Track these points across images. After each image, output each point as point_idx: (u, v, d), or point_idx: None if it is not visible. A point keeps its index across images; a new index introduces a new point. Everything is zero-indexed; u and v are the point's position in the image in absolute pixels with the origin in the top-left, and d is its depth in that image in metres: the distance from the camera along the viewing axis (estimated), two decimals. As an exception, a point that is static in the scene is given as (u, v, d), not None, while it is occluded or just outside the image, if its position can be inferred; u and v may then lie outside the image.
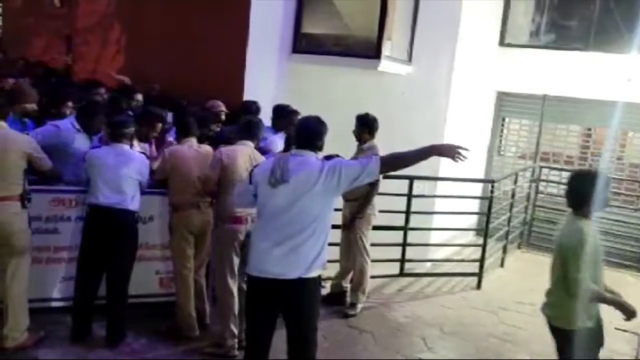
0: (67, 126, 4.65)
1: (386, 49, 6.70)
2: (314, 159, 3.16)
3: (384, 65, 6.71)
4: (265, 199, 3.18)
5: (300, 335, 3.22)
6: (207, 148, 4.59)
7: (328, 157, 3.47)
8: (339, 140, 5.19)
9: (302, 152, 3.19)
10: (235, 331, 4.20)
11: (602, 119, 7.96)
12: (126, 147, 4.25)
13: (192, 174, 4.37)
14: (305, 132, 3.25)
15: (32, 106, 4.65)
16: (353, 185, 3.17)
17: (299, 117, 5.05)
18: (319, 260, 3.14)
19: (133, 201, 4.21)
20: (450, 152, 3.12)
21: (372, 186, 5.02)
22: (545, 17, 8.35)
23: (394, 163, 3.27)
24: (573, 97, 7.96)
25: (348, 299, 5.39)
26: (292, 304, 3.17)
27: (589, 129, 8.45)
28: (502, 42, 8.31)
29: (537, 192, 8.17)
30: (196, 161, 4.41)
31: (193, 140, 4.54)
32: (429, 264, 6.77)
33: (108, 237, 4.14)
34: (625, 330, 5.28)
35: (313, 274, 3.14)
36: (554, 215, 8.14)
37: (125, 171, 4.16)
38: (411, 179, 5.81)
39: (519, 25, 8.46)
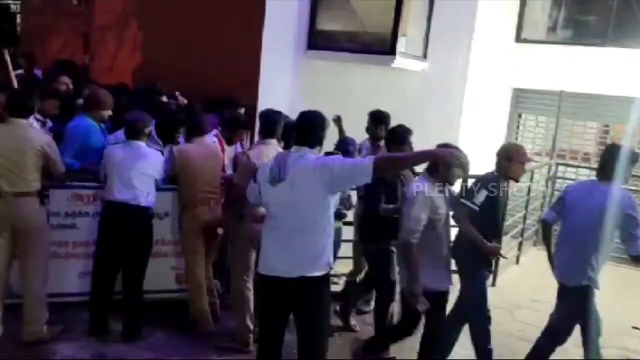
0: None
1: (401, 45, 6.67)
2: (311, 156, 3.13)
3: (399, 61, 6.68)
4: (268, 197, 3.19)
5: (306, 335, 3.20)
6: (215, 146, 4.63)
7: (328, 154, 3.46)
8: (355, 136, 5.24)
9: (300, 149, 3.16)
10: (251, 326, 4.24)
11: (620, 115, 7.85)
12: (142, 144, 4.30)
13: (202, 172, 4.42)
14: (304, 128, 3.21)
15: (108, 112, 4.81)
16: (348, 186, 3.10)
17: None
18: (322, 259, 3.11)
19: (148, 198, 4.26)
20: (451, 159, 3.05)
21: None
22: (562, 12, 8.25)
23: (389, 165, 3.21)
24: (590, 93, 7.87)
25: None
26: (297, 304, 3.16)
27: (607, 126, 8.35)
28: (518, 38, 8.23)
29: (553, 189, 8.09)
30: (206, 159, 4.45)
31: (203, 139, 4.57)
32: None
33: (122, 233, 4.20)
34: (641, 329, 5.26)
35: (317, 272, 3.10)
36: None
37: (140, 168, 4.21)
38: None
39: (536, 21, 8.37)
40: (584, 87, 7.81)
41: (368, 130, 5.32)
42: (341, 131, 5.63)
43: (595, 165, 8.11)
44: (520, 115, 8.74)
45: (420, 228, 3.70)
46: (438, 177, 3.80)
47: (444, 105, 6.98)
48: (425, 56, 7.13)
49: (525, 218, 7.22)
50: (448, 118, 6.95)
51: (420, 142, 4.71)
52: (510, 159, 4.04)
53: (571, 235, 4.00)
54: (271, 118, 4.30)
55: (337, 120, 5.60)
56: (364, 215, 4.64)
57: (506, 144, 4.49)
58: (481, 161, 4.91)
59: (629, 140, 7.86)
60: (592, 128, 8.48)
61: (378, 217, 4.33)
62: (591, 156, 8.40)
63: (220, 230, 4.61)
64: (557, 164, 8.16)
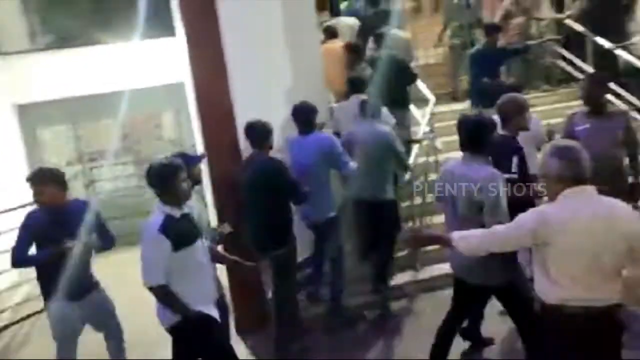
0: None
1: None
2: None
3: None
4: None
5: None
6: None
7: None
8: None
9: None
10: None
11: (132, 107, 8.08)
12: None
13: None
14: None
15: None
16: None
17: None
18: None
19: None
20: None
21: None
22: (37, 18, 7.87)
23: None
24: (100, 93, 7.70)
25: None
26: None
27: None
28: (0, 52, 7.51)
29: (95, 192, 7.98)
30: None
31: None
32: None
33: None
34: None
35: None
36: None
37: None
38: None
39: (13, 31, 7.78)
40: (92, 88, 7.64)
41: None
42: None
43: (124, 160, 8.39)
44: (35, 130, 8.10)
45: None
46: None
47: None
48: None
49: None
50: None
51: None
52: (521, 112, 4.00)
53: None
54: None
55: None
56: (272, 217, 4.36)
57: (506, 99, 4.03)
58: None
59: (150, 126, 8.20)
60: (112, 125, 8.57)
61: (288, 218, 4.40)
62: (121, 150, 8.49)
63: None
64: (91, 168, 8.04)
